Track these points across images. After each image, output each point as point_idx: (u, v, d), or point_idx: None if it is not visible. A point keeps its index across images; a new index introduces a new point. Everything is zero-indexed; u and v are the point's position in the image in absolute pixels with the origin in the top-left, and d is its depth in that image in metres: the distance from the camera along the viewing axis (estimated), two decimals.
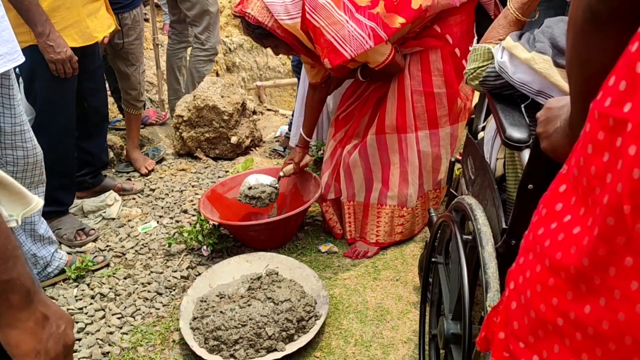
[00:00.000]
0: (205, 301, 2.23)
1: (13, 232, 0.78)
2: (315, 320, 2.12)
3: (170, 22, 4.12)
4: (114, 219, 3.01)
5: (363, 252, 2.64)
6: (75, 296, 2.38)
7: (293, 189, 2.96)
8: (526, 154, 1.30)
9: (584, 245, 0.59)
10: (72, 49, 2.47)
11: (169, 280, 2.48)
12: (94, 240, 2.80)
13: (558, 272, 0.63)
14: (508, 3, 1.57)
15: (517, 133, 1.33)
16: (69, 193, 2.81)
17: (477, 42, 1.66)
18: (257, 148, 3.93)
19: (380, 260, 2.61)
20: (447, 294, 1.67)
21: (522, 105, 1.43)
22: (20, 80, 2.44)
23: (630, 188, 0.52)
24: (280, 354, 1.97)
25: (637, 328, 0.53)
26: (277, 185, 2.78)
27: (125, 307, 2.32)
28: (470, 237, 1.48)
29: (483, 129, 1.83)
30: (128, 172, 3.55)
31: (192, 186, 3.40)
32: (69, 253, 2.58)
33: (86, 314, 2.27)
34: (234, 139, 3.69)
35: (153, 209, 3.14)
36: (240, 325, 2.02)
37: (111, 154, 3.53)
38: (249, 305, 2.13)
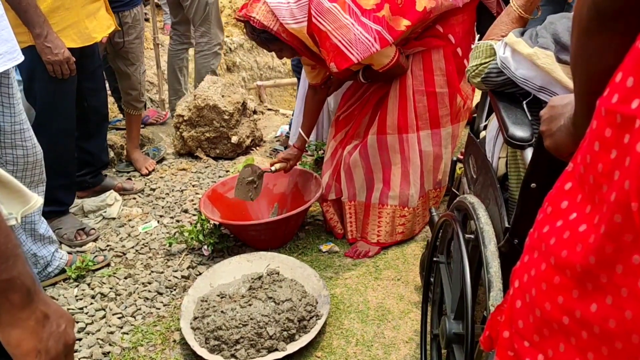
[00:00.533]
0: (206, 301, 2.22)
1: (13, 230, 0.77)
2: (317, 320, 2.12)
3: (172, 23, 4.12)
4: (114, 218, 3.01)
5: (364, 252, 2.63)
6: (76, 296, 2.38)
7: (294, 189, 2.96)
8: (529, 153, 1.29)
9: (590, 243, 0.58)
10: (71, 49, 2.47)
11: (169, 280, 2.47)
12: (95, 240, 2.79)
13: (564, 270, 0.62)
14: (511, 0, 1.57)
15: (519, 131, 1.33)
16: (70, 193, 2.80)
17: (480, 40, 1.65)
18: (257, 148, 3.93)
19: (382, 260, 2.61)
20: (449, 294, 1.66)
21: (524, 102, 1.42)
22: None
23: (638, 185, 0.51)
24: (281, 354, 1.97)
25: None
26: (260, 173, 2.76)
27: (126, 307, 2.31)
28: (472, 236, 1.48)
29: (485, 127, 1.82)
30: (128, 172, 3.54)
31: (193, 186, 3.39)
32: (69, 253, 2.57)
33: (87, 313, 2.27)
34: (234, 139, 3.68)
35: (154, 208, 3.13)
36: (241, 325, 2.02)
37: (111, 154, 3.53)
38: (250, 305, 2.13)
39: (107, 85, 3.32)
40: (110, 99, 3.81)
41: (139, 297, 2.37)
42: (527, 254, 0.71)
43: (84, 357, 2.04)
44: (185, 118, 3.64)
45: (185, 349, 2.09)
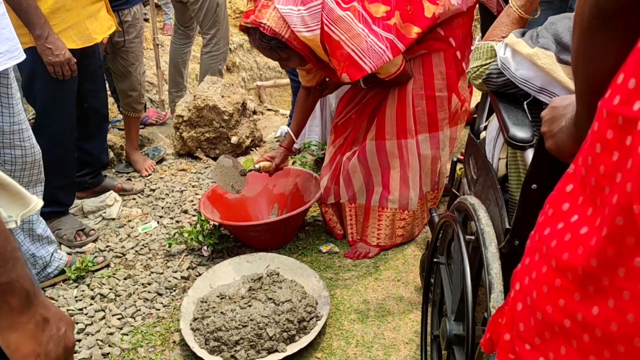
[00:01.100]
0: (205, 302, 2.22)
1: (12, 233, 0.77)
2: (317, 320, 2.11)
3: (176, 21, 4.09)
4: (114, 219, 3.00)
5: (364, 253, 2.63)
6: (75, 297, 2.37)
7: (294, 189, 2.95)
8: (530, 154, 1.29)
9: (591, 245, 0.58)
10: (72, 50, 2.46)
11: (169, 281, 2.47)
12: (94, 241, 2.79)
13: (565, 272, 0.62)
14: (510, 1, 1.57)
15: (520, 132, 1.32)
16: (69, 193, 2.80)
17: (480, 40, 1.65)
18: (257, 148, 3.92)
19: (382, 261, 2.60)
20: (449, 295, 1.66)
21: (525, 103, 1.42)
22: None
23: None
24: (281, 355, 1.96)
25: None
26: (244, 172, 2.60)
27: (126, 308, 2.31)
28: (472, 237, 1.47)
29: (485, 128, 1.82)
30: (128, 172, 3.54)
31: (193, 186, 3.39)
32: (68, 253, 2.57)
33: (86, 314, 2.27)
34: (234, 139, 3.68)
35: (153, 209, 3.13)
36: (241, 326, 2.01)
37: (111, 154, 3.53)
38: (250, 305, 2.12)
39: (107, 85, 3.31)
40: (110, 99, 3.81)
41: (139, 298, 2.37)
42: (528, 257, 0.71)
43: (83, 358, 2.03)
44: (185, 118, 3.64)
45: (185, 350, 2.08)
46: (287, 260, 2.43)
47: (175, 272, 2.54)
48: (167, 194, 3.29)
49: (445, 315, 1.68)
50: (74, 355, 1.96)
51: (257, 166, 2.61)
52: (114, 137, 3.70)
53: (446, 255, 1.80)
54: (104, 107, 3.02)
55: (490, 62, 1.49)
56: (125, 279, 2.50)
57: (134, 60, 3.29)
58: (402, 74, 2.34)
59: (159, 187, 3.37)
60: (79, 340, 2.11)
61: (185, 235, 2.66)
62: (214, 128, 3.64)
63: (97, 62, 2.83)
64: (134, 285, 2.45)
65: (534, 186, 1.24)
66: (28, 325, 0.74)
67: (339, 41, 2.13)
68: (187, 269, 2.56)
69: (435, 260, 1.84)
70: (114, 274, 2.53)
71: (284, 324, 2.03)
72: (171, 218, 3.02)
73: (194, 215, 3.01)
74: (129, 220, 2.99)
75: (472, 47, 1.60)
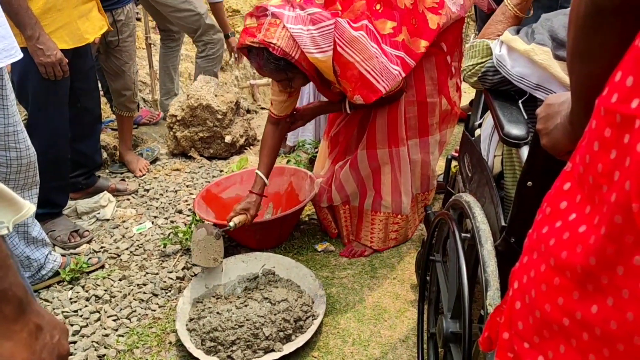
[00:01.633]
0: (201, 302, 2.21)
1: (4, 239, 0.76)
2: (313, 320, 2.11)
3: (157, 25, 4.03)
4: (108, 220, 2.99)
5: (360, 252, 2.62)
6: (70, 298, 2.36)
7: (288, 188, 2.95)
8: (525, 151, 1.29)
9: (590, 244, 0.58)
10: (64, 50, 2.45)
11: (164, 281, 2.46)
12: (88, 242, 2.77)
13: (564, 271, 0.61)
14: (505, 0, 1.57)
15: (515, 130, 1.33)
16: (63, 194, 2.78)
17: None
18: (251, 147, 3.91)
19: (377, 259, 2.60)
20: (445, 293, 1.66)
21: (520, 101, 1.42)
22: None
23: (639, 186, 0.51)
24: (277, 355, 1.96)
25: None
26: (218, 233, 2.35)
27: (121, 309, 2.30)
28: (468, 235, 1.48)
29: (480, 126, 1.82)
30: (122, 173, 3.52)
31: (187, 186, 3.38)
32: (63, 255, 2.55)
33: (81, 316, 2.25)
34: (228, 138, 3.67)
35: (148, 209, 3.12)
36: (237, 326, 2.01)
37: (104, 155, 3.51)
38: (246, 305, 2.12)
39: (99, 85, 3.29)
40: (103, 99, 3.78)
41: (134, 299, 2.36)
42: (526, 255, 0.70)
43: None
44: (178, 118, 3.62)
45: (181, 351, 2.08)
46: (283, 260, 2.43)
47: (171, 272, 2.53)
48: (161, 194, 3.28)
49: (442, 313, 1.69)
50: (70, 357, 1.96)
51: (232, 224, 2.35)
52: (107, 137, 3.68)
53: (442, 253, 1.80)
54: (96, 107, 3.01)
55: (486, 60, 1.49)
56: (120, 280, 2.48)
57: (127, 59, 3.27)
58: (399, 91, 2.31)
59: (153, 187, 3.35)
60: (74, 342, 2.10)
61: (180, 235, 2.65)
62: (208, 127, 3.63)
63: (90, 62, 2.82)
64: (129, 286, 2.44)
65: (529, 183, 1.25)
66: (21, 333, 0.73)
67: (353, 62, 2.07)
68: (183, 269, 2.55)
69: (431, 258, 1.84)
70: (109, 275, 2.52)
71: (280, 324, 2.03)
72: (166, 218, 3.01)
73: (188, 215, 3.00)
74: (124, 221, 2.98)
75: (468, 45, 1.60)
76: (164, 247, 2.69)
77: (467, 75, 1.55)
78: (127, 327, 2.21)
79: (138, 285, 2.45)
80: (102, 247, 2.73)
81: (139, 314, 2.28)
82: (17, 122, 2.09)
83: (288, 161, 3.34)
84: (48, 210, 2.69)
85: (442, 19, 2.23)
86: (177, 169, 3.60)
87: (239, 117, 3.80)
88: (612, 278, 0.55)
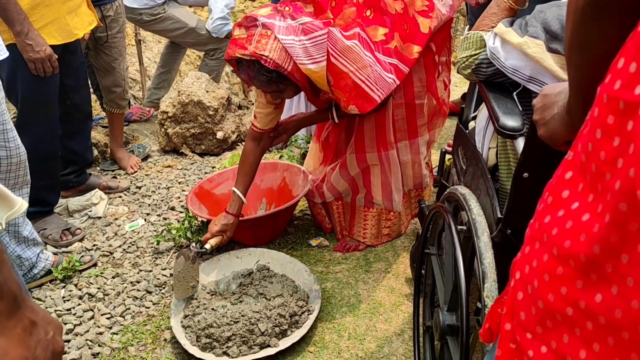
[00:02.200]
0: (196, 299, 2.20)
1: None
2: (308, 315, 2.11)
3: None
4: (100, 217, 2.97)
5: (354, 246, 2.62)
6: (63, 297, 2.34)
7: (281, 184, 2.94)
8: (520, 142, 1.29)
9: (594, 232, 0.57)
10: (53, 46, 2.42)
11: (158, 279, 2.44)
12: (80, 240, 2.75)
13: (567, 260, 0.61)
14: None
15: (511, 121, 1.32)
16: (54, 193, 2.76)
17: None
18: (243, 143, 3.89)
19: (372, 253, 2.60)
20: (441, 286, 1.66)
21: (514, 93, 1.42)
22: None
23: None
24: (273, 350, 1.95)
25: None
26: (194, 255, 2.25)
27: (115, 307, 2.28)
28: (464, 227, 1.47)
29: (474, 118, 1.82)
30: (113, 170, 3.50)
31: (179, 183, 3.36)
32: (55, 253, 2.53)
33: (74, 314, 2.23)
34: (219, 134, 3.65)
35: (140, 206, 3.09)
36: (232, 322, 2.00)
37: (95, 152, 3.48)
38: (241, 301, 2.11)
39: (89, 82, 3.26)
40: (94, 96, 3.75)
41: (128, 297, 2.34)
42: (527, 245, 0.70)
43: (73, 359, 2.00)
44: (169, 114, 3.60)
45: (176, 348, 2.07)
46: (277, 255, 2.42)
47: (164, 269, 2.51)
48: (153, 191, 3.26)
49: (438, 306, 1.69)
50: (64, 356, 1.94)
51: (207, 246, 2.29)
52: (98, 134, 3.65)
53: (437, 246, 1.80)
54: (87, 104, 2.98)
55: (479, 52, 1.48)
56: (113, 277, 2.47)
57: (117, 55, 3.24)
58: (388, 97, 2.23)
59: (145, 185, 3.33)
60: (68, 341, 2.09)
61: (173, 232, 2.64)
62: (199, 124, 3.61)
63: (79, 58, 2.79)
64: (122, 283, 2.43)
65: (525, 175, 1.25)
66: (16, 329, 0.72)
67: (347, 72, 2.03)
68: None
69: (426, 251, 1.84)
70: (102, 273, 2.50)
71: (275, 319, 2.02)
72: (158, 215, 3.00)
73: (181, 212, 2.98)
74: (116, 219, 2.96)
75: (462, 37, 1.60)
76: (157, 244, 2.67)
77: (461, 67, 1.55)
78: (121, 324, 2.19)
79: (131, 282, 2.43)
80: (94, 245, 2.71)
81: (133, 311, 2.26)
82: (6, 120, 2.07)
83: (281, 156, 3.33)
84: (39, 208, 2.66)
85: (433, 22, 2.19)
86: (169, 166, 3.58)
87: (230, 113, 3.78)
88: (617, 266, 0.55)
